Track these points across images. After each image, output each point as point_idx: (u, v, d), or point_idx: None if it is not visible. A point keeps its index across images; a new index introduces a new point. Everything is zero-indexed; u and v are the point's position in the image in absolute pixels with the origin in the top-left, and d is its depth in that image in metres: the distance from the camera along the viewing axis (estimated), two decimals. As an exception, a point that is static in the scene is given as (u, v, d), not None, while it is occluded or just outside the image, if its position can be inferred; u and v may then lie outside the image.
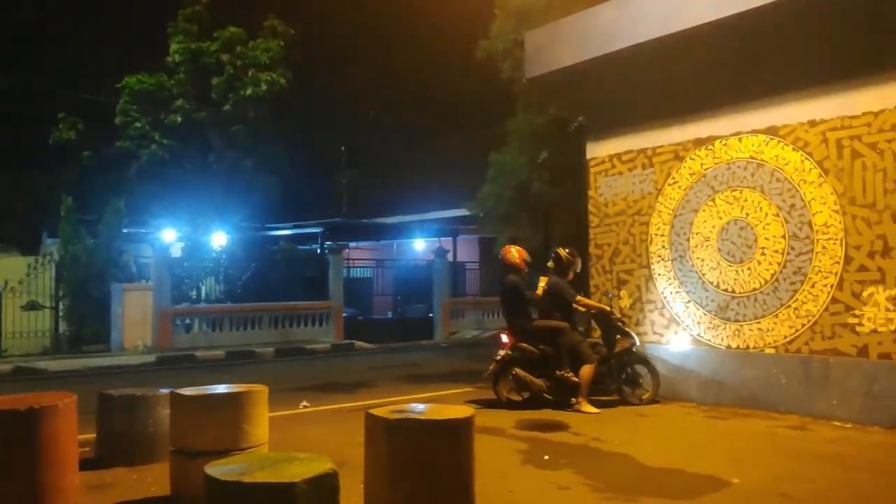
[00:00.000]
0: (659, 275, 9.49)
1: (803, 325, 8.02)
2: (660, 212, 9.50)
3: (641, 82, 9.62)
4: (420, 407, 4.55)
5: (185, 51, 18.11)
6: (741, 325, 8.58)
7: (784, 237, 8.24)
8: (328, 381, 11.87)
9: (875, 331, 7.46)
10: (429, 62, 28.56)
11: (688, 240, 9.18)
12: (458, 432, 4.13)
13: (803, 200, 8.08)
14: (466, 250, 26.44)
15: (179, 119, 17.95)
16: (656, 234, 9.54)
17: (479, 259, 26.57)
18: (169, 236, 20.37)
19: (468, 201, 21.45)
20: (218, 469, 3.64)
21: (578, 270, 9.01)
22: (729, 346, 8.69)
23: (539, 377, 8.54)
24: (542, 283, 8.89)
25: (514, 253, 9.06)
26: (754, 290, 8.48)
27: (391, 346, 19.12)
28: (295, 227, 23.02)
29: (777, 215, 8.30)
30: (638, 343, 8.87)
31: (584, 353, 8.50)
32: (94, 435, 6.32)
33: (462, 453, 4.14)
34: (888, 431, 7.17)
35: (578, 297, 8.75)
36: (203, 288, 19.59)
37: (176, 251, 19.73)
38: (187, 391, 5.25)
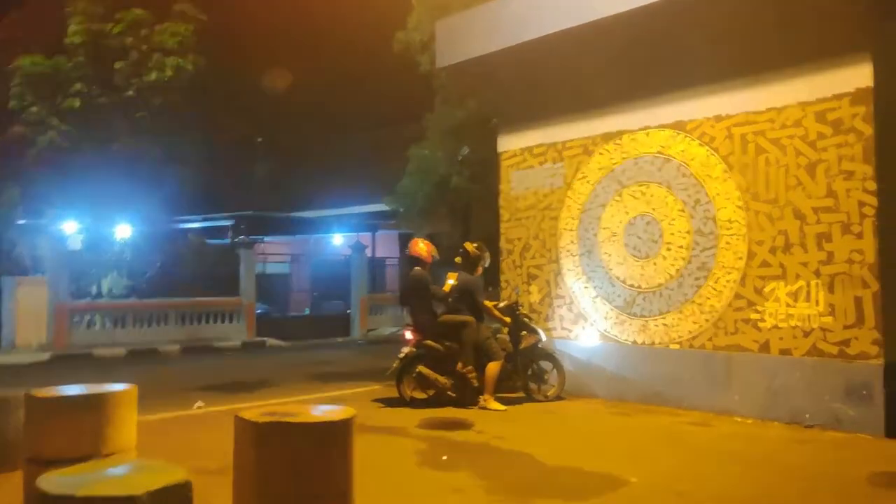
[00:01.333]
0: (568, 270, 9.38)
1: (707, 321, 8.02)
2: (569, 206, 9.38)
3: (552, 75, 9.48)
4: (299, 408, 4.20)
5: (85, 32, 17.13)
6: (647, 321, 8.53)
7: (689, 232, 8.22)
8: (231, 381, 11.35)
9: (776, 326, 7.49)
10: (351, 54, 28.02)
11: (596, 235, 9.09)
12: (332, 435, 3.80)
13: (708, 196, 8.07)
14: (386, 245, 26.06)
15: (77, 104, 16.95)
16: (565, 229, 9.42)
17: (399, 254, 26.24)
18: (70, 228, 19.29)
19: (388, 196, 21.15)
20: (53, 480, 3.20)
21: (487, 265, 8.79)
22: (635, 342, 8.63)
23: (444, 374, 8.29)
24: (451, 279, 8.64)
25: (422, 246, 8.80)
26: (660, 285, 8.44)
27: (306, 343, 18.66)
28: (205, 219, 22.13)
29: (683, 210, 8.28)
30: (544, 339, 8.72)
31: (490, 350, 8.30)
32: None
33: (337, 457, 3.81)
34: (786, 427, 7.20)
35: (486, 303, 8.56)
36: (105, 283, 18.60)
37: (77, 244, 18.73)
38: (43, 392, 4.76)
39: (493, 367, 8.21)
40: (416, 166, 20.05)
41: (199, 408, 8.67)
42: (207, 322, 18.59)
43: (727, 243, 7.89)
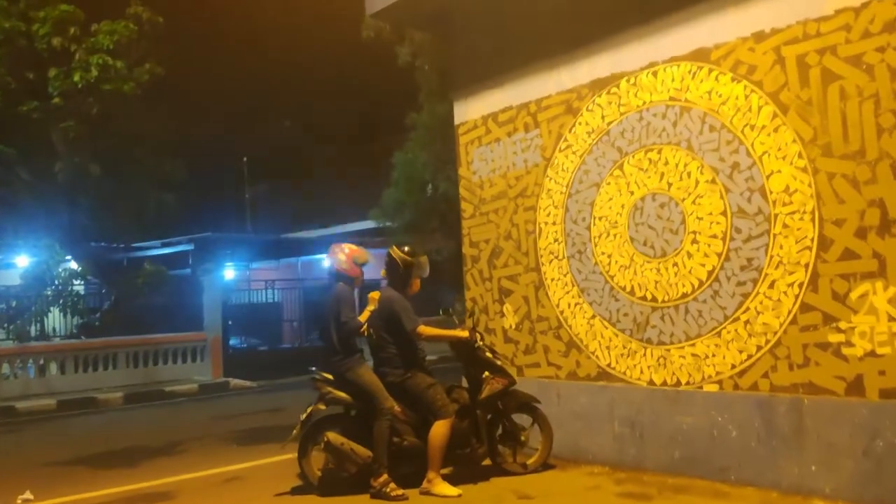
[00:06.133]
0: (552, 280, 6.62)
1: (760, 348, 5.21)
2: (549, 190, 6.65)
3: (517, 9, 6.82)
4: None
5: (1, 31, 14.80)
6: (668, 350, 5.73)
7: (724, 214, 5.44)
8: (127, 445, 8.75)
9: (873, 353, 4.68)
10: (343, 68, 25.79)
11: (588, 228, 6.33)
12: None
13: (751, 156, 5.30)
14: (378, 265, 23.50)
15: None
16: (547, 223, 6.68)
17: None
18: (21, 262, 17.07)
19: (373, 209, 18.83)
20: None
21: (426, 275, 6.07)
22: (652, 382, 5.84)
23: (366, 443, 5.57)
24: (373, 302, 5.94)
25: (342, 255, 6.15)
26: (684, 296, 5.64)
27: (277, 382, 16.01)
28: (164, 245, 19.74)
29: (713, 182, 5.51)
30: (516, 383, 5.92)
31: (433, 403, 5.57)
32: None
33: None
34: (905, 519, 4.38)
35: (421, 328, 5.73)
36: (48, 322, 16.25)
37: (13, 279, 16.46)
38: None
39: (439, 430, 5.48)
40: (400, 174, 17.61)
41: (25, 502, 6.06)
42: (165, 362, 16.09)
43: (785, 226, 5.11)
